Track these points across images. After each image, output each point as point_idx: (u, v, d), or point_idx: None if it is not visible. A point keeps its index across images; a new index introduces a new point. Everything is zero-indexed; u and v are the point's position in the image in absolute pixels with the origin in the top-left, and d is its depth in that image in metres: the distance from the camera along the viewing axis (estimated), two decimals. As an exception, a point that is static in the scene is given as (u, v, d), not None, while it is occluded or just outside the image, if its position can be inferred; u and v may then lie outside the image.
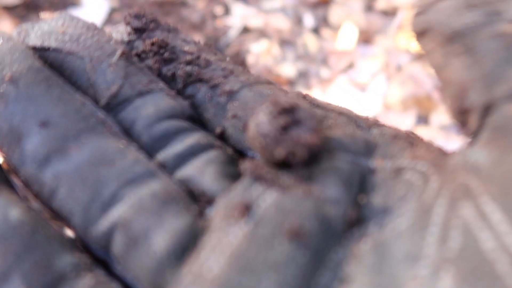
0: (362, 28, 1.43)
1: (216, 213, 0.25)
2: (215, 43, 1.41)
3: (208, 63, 0.31)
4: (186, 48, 0.32)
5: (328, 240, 0.24)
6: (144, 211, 0.25)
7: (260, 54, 1.36)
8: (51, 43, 0.30)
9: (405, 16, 1.39)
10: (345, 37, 1.41)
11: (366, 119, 0.30)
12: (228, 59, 0.33)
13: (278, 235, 0.23)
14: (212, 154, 0.28)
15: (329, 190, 0.25)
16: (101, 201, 0.25)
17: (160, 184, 0.26)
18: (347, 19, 1.45)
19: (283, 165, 0.26)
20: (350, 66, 1.35)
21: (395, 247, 0.23)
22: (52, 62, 0.30)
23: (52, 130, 0.26)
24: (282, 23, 1.46)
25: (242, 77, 0.31)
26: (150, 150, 0.28)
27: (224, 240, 0.24)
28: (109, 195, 0.25)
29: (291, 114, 0.26)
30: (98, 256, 0.26)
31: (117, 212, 0.25)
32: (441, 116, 1.18)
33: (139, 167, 0.26)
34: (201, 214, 0.26)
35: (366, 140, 0.28)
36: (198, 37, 1.44)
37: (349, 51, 1.38)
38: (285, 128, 0.25)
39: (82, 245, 0.26)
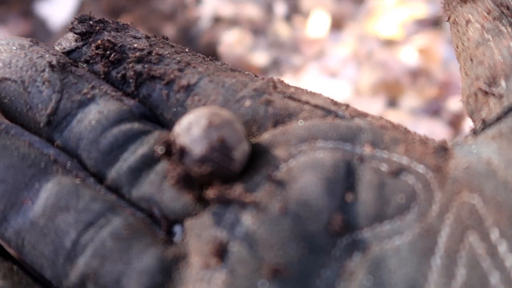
0: (333, 15, 1.44)
1: (190, 254, 0.23)
2: (186, 34, 1.40)
3: (160, 58, 0.29)
4: (136, 45, 0.30)
5: (313, 261, 0.22)
6: (110, 256, 0.24)
7: (232, 43, 1.36)
8: None
9: (375, 3, 1.40)
10: (316, 24, 1.42)
11: (346, 108, 0.27)
12: (187, 50, 0.31)
13: (256, 278, 0.22)
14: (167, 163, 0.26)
15: (309, 195, 0.23)
16: (65, 253, 0.24)
17: (120, 220, 0.24)
18: (318, 6, 1.46)
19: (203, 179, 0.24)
20: (321, 53, 1.36)
21: (395, 273, 0.22)
22: None
23: (1, 187, 0.25)
24: (253, 11, 1.47)
25: (200, 67, 0.29)
26: (102, 167, 0.26)
27: None
28: (71, 245, 0.24)
29: (220, 131, 0.24)
30: None
31: (83, 263, 0.24)
32: (410, 100, 1.20)
33: (96, 205, 0.25)
34: (168, 239, 0.24)
35: (349, 126, 0.25)
36: (169, 28, 1.43)
37: (320, 38, 1.39)
38: (211, 149, 0.24)
39: None
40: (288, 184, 0.23)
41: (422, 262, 0.21)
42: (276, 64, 1.35)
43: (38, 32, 1.41)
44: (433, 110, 1.17)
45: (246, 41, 1.38)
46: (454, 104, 1.16)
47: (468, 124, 1.11)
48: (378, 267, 0.22)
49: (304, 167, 0.24)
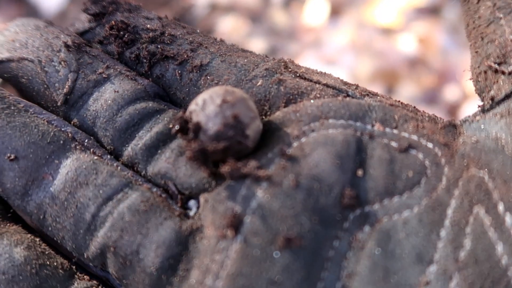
0: (331, 2, 1.43)
1: (205, 226, 0.24)
2: (182, 21, 1.39)
3: (173, 39, 0.30)
4: (149, 25, 0.30)
5: (325, 232, 0.23)
6: (129, 229, 0.24)
7: (228, 30, 1.35)
8: (4, 54, 0.29)
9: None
10: (314, 11, 1.42)
11: (356, 88, 0.28)
12: (198, 30, 0.31)
13: (270, 248, 0.22)
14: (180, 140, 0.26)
15: (321, 170, 0.24)
16: (85, 226, 0.25)
17: (137, 194, 0.25)
18: (315, -7, 1.46)
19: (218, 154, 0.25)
20: (319, 40, 1.36)
21: (403, 245, 0.22)
22: (9, 73, 0.29)
23: (23, 163, 0.26)
24: (250, -2, 1.46)
25: (212, 48, 0.29)
26: (118, 145, 0.27)
27: (218, 261, 0.23)
28: (91, 218, 0.25)
29: (234, 108, 0.24)
30: (99, 275, 0.26)
31: (103, 235, 0.25)
32: (407, 89, 1.20)
33: (114, 180, 0.26)
34: (184, 213, 0.25)
35: (360, 104, 0.26)
36: (165, 15, 1.42)
37: (318, 25, 1.39)
38: (225, 125, 0.24)
39: (82, 266, 0.27)
40: (300, 160, 0.24)
41: (431, 232, 0.22)
42: (273, 52, 1.34)
43: (28, 16, 1.40)
44: (431, 98, 1.18)
45: (242, 28, 1.38)
46: (452, 93, 1.17)
47: (465, 113, 1.11)
48: (388, 238, 0.22)
49: (315, 144, 0.24)
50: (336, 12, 1.42)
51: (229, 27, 1.36)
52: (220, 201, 0.24)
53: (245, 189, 0.24)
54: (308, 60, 1.29)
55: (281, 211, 0.23)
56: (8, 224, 0.27)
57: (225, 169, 0.24)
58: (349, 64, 1.26)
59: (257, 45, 1.35)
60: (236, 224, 0.23)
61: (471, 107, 1.12)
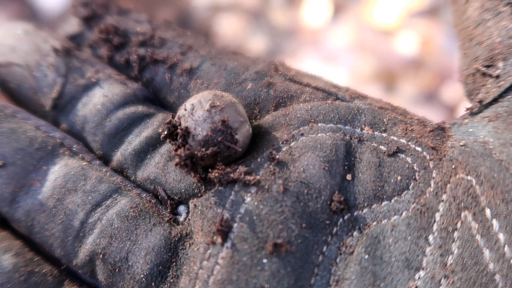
0: (331, 2, 1.43)
1: (194, 232, 0.24)
2: (183, 20, 1.40)
3: (163, 41, 0.30)
4: (138, 28, 0.30)
5: (313, 238, 0.23)
6: (118, 235, 0.24)
7: (229, 30, 1.35)
8: None
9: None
10: (314, 11, 1.42)
11: (346, 90, 0.28)
12: (188, 33, 0.31)
13: (258, 254, 0.22)
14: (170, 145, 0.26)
15: (309, 175, 0.24)
16: (73, 233, 0.25)
17: (126, 201, 0.25)
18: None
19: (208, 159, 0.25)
20: (319, 40, 1.36)
21: (392, 250, 0.22)
22: None
23: (11, 169, 0.26)
24: (250, -2, 1.46)
25: (202, 50, 0.29)
26: (107, 149, 0.27)
27: (207, 267, 0.23)
28: (80, 224, 0.25)
29: (221, 112, 0.24)
30: (88, 282, 0.26)
31: (92, 241, 0.25)
32: (406, 89, 1.20)
33: (103, 186, 0.26)
34: (174, 219, 0.25)
35: (349, 107, 0.26)
36: (165, 14, 1.42)
37: (318, 25, 1.39)
38: (214, 130, 0.24)
39: (71, 273, 0.26)
40: (289, 164, 0.24)
41: (420, 238, 0.22)
42: (273, 52, 1.35)
43: (29, 15, 1.40)
44: (429, 98, 1.18)
45: (243, 28, 1.38)
46: (450, 93, 1.17)
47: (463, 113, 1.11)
48: (377, 243, 0.22)
49: (304, 148, 0.24)
50: (336, 12, 1.42)
51: (229, 27, 1.36)
52: (208, 206, 0.24)
53: (233, 195, 0.24)
54: (308, 60, 1.29)
55: (269, 216, 0.23)
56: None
57: (214, 174, 0.24)
58: (349, 64, 1.26)
59: (257, 45, 1.35)
60: (224, 230, 0.23)
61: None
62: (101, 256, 0.24)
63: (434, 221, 0.22)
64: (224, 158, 0.25)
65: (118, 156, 0.27)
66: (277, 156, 0.24)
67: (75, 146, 0.27)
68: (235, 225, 0.23)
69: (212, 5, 1.46)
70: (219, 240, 0.23)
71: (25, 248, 0.26)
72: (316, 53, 1.34)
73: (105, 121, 0.27)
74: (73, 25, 0.31)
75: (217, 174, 0.24)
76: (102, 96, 0.28)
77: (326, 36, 1.38)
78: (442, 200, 0.23)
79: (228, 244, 0.23)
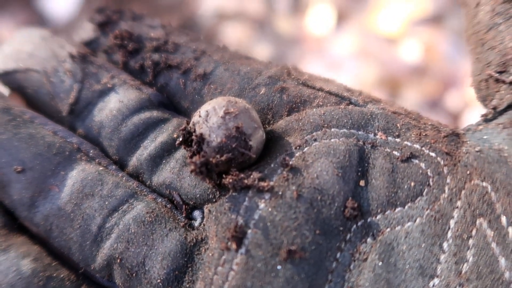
0: (336, 9, 1.44)
1: (209, 237, 0.24)
2: (188, 27, 1.40)
3: (177, 47, 0.30)
4: (152, 34, 0.30)
5: (327, 244, 0.23)
6: (134, 240, 0.25)
7: (234, 37, 1.36)
8: (10, 65, 0.29)
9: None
10: (319, 18, 1.43)
11: (360, 94, 0.28)
12: (201, 37, 0.31)
13: (272, 260, 0.22)
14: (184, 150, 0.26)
15: (323, 181, 0.23)
16: (91, 237, 0.25)
17: (143, 205, 0.25)
18: (321, 0, 1.47)
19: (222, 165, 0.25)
20: (323, 47, 1.37)
21: (406, 257, 0.22)
22: (15, 83, 0.29)
23: (30, 174, 0.26)
24: (255, 5, 1.47)
25: (215, 55, 0.29)
26: (123, 154, 0.27)
27: (221, 273, 0.23)
28: (97, 229, 0.25)
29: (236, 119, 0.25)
30: (106, 286, 0.26)
31: (109, 246, 0.25)
32: (411, 96, 1.21)
33: (119, 191, 0.26)
34: (189, 224, 0.25)
35: (362, 112, 0.26)
36: (172, 22, 1.43)
37: (323, 33, 1.40)
38: (228, 137, 0.24)
39: (88, 277, 0.26)
40: (303, 170, 0.24)
41: (434, 245, 0.22)
42: (278, 59, 1.35)
43: (38, 23, 1.41)
44: (433, 106, 1.18)
45: (248, 36, 1.39)
46: (454, 100, 1.17)
47: (467, 120, 1.12)
48: (390, 250, 0.22)
49: (318, 154, 0.24)
50: (340, 20, 1.43)
51: (234, 35, 1.37)
52: (223, 212, 0.24)
53: (247, 201, 0.24)
54: (312, 68, 1.30)
55: (283, 223, 0.23)
56: (14, 236, 0.27)
57: (228, 180, 0.24)
58: (353, 71, 1.26)
59: (262, 52, 1.35)
60: (239, 236, 0.23)
61: (473, 114, 1.12)
62: (118, 260, 0.25)
63: (449, 228, 0.22)
64: (238, 164, 0.25)
65: (134, 161, 0.27)
66: (290, 162, 0.24)
67: (91, 151, 0.27)
68: (249, 231, 0.23)
69: (218, 13, 1.47)
70: (233, 246, 0.23)
71: (43, 253, 0.26)
72: (320, 61, 1.34)
73: (120, 127, 0.28)
74: (88, 31, 0.31)
75: (231, 180, 0.24)
76: (117, 101, 0.28)
77: (330, 44, 1.38)
78: (457, 207, 0.23)
79: (243, 250, 0.23)
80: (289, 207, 0.23)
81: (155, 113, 0.28)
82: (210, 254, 0.24)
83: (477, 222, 0.22)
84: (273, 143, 0.26)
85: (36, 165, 0.26)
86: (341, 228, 0.23)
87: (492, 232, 0.22)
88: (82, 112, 0.28)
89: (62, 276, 0.26)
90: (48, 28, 0.31)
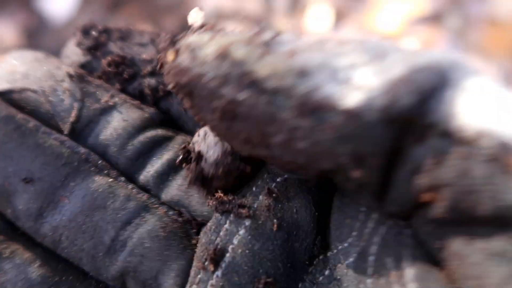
0: (334, 9, 1.44)
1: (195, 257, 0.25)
2: (188, 28, 1.40)
3: None
4: (144, 55, 0.30)
5: (294, 276, 0.24)
6: (149, 255, 0.25)
7: (233, 37, 1.36)
8: (4, 85, 0.28)
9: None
10: (317, 17, 1.42)
11: None
12: None
13: (247, 287, 0.23)
14: None
15: (301, 217, 0.25)
16: (104, 249, 0.25)
17: (156, 219, 0.26)
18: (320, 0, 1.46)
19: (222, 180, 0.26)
20: (322, 47, 1.36)
21: None
22: (12, 104, 0.28)
23: (39, 185, 0.26)
24: (254, 5, 1.47)
25: None
26: (130, 172, 0.27)
27: None
28: (110, 241, 0.25)
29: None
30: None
31: (123, 259, 0.25)
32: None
33: (131, 203, 0.26)
34: (198, 240, 0.26)
35: None
36: (170, 22, 1.43)
37: (321, 32, 1.40)
38: (224, 153, 0.25)
39: (99, 283, 0.27)
40: (284, 202, 0.25)
41: (361, 281, 0.23)
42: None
43: (37, 23, 1.41)
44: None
45: (247, 35, 1.38)
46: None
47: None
48: (340, 285, 0.23)
49: (299, 185, 0.25)
50: (338, 19, 1.43)
51: (233, 33, 1.37)
52: (205, 232, 0.25)
53: (228, 224, 0.24)
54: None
55: (261, 252, 0.24)
56: (16, 240, 0.27)
57: (212, 202, 0.25)
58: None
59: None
60: (217, 258, 0.23)
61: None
62: (132, 273, 0.25)
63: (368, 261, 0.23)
64: (235, 178, 0.26)
65: (141, 178, 0.27)
66: (272, 188, 0.25)
67: (99, 162, 0.27)
68: (227, 254, 0.24)
69: (216, 12, 1.47)
70: (210, 267, 0.24)
71: (48, 256, 0.26)
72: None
73: (127, 145, 0.28)
74: (77, 54, 0.31)
75: (214, 202, 0.25)
76: (121, 120, 0.28)
77: (329, 43, 1.37)
78: (374, 241, 0.23)
79: (219, 272, 0.23)
80: (268, 238, 0.24)
81: (160, 132, 0.28)
82: (192, 271, 0.24)
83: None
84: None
85: (45, 176, 0.26)
86: (307, 262, 0.24)
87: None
88: (83, 130, 0.28)
89: (71, 278, 0.26)
90: (40, 50, 0.31)
